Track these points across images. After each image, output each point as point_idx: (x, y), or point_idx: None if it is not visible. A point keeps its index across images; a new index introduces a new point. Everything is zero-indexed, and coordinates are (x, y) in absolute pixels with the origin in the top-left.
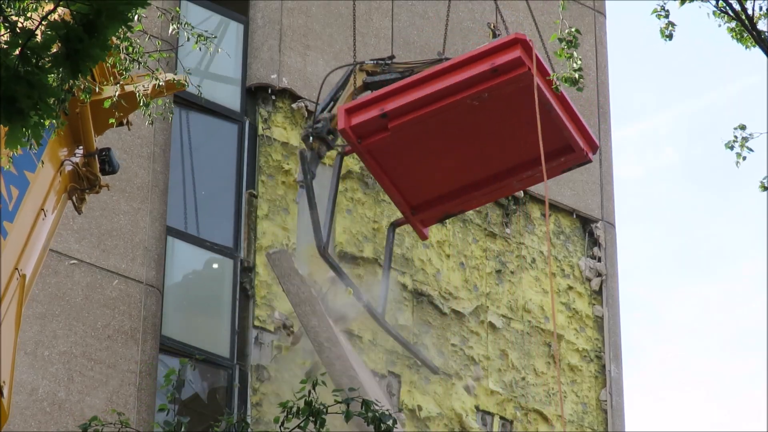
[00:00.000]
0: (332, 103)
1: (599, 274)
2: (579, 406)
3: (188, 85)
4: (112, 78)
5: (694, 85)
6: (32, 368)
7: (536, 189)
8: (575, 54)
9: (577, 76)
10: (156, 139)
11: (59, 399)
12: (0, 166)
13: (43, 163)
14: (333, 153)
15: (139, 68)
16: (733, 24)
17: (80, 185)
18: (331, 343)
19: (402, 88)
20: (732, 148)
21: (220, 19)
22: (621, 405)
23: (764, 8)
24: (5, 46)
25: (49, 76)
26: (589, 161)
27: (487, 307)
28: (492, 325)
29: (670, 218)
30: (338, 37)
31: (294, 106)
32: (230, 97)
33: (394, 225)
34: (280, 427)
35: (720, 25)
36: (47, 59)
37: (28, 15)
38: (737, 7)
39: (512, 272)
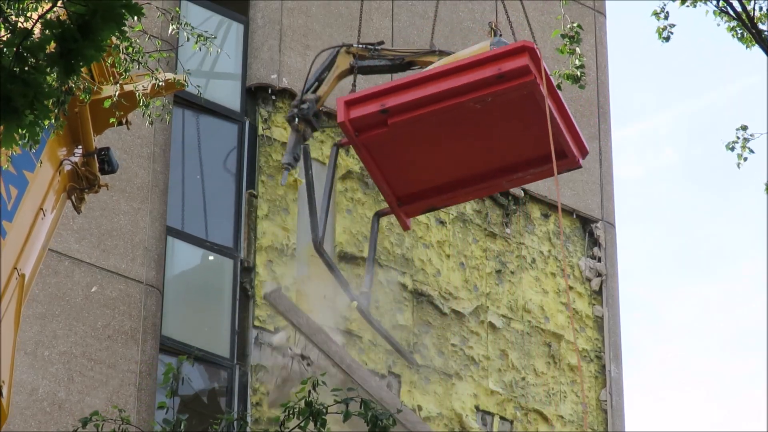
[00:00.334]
0: (317, 83)
1: (599, 274)
2: (579, 406)
3: (187, 85)
4: (111, 78)
5: (694, 85)
6: (32, 368)
7: (536, 189)
8: (578, 50)
9: (579, 73)
10: (156, 139)
11: (59, 399)
12: None
13: (42, 162)
14: (327, 150)
15: (139, 68)
16: (733, 23)
17: (79, 185)
18: (356, 364)
19: (404, 84)
20: (733, 149)
21: (220, 19)
22: (621, 405)
23: (765, 8)
24: (1, 46)
25: (47, 77)
26: (579, 167)
27: (487, 307)
28: (492, 325)
29: (670, 218)
30: (338, 37)
31: None
32: (230, 97)
33: (378, 214)
34: (280, 427)
35: (719, 25)
36: (42, 58)
37: (28, 15)
38: (738, 7)
39: (512, 272)
